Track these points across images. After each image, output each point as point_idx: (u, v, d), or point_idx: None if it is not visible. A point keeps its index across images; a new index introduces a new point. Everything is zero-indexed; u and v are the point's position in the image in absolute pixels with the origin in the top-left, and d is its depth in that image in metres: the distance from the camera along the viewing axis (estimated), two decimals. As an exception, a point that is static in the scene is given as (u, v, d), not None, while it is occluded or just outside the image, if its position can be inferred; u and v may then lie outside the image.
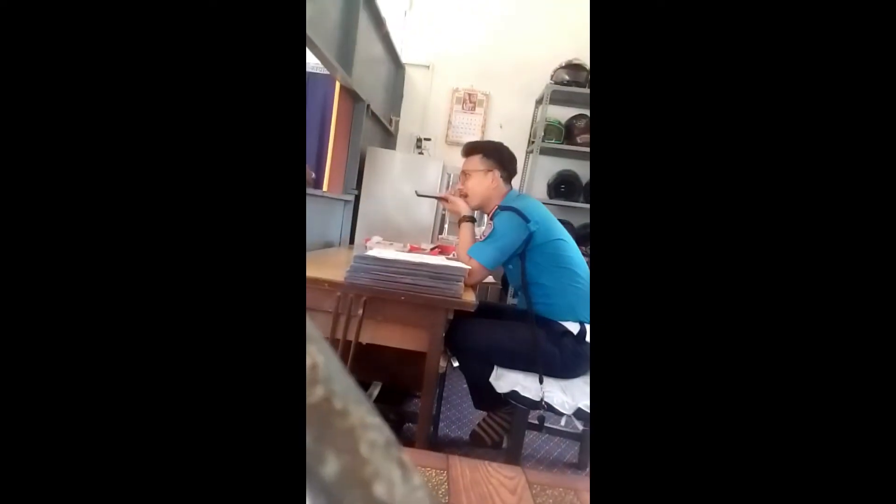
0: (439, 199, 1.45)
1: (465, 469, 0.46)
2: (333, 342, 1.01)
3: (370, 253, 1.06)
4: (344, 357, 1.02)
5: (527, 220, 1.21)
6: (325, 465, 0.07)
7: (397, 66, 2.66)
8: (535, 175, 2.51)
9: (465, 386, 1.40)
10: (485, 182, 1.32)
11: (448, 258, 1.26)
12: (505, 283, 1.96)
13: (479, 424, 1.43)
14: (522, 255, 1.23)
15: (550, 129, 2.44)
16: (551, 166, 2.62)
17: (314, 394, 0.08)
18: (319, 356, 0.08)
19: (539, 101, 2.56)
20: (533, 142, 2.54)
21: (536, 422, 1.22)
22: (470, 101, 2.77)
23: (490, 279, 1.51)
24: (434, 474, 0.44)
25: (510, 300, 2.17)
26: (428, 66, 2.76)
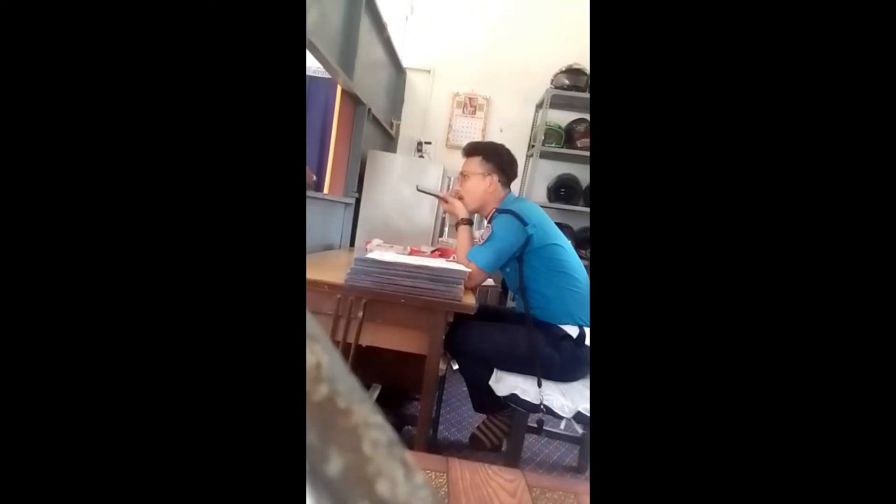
0: (438, 197, 1.44)
1: (465, 472, 0.46)
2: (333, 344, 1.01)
3: (370, 255, 1.06)
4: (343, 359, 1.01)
5: (525, 224, 1.21)
6: (328, 463, 0.07)
7: (398, 71, 2.67)
8: (535, 179, 2.52)
9: (465, 389, 1.40)
10: (482, 185, 1.31)
11: (448, 261, 1.26)
12: (505, 286, 1.96)
13: (478, 427, 1.43)
14: (520, 259, 1.23)
15: (550, 133, 2.44)
16: (551, 170, 2.63)
17: (318, 392, 0.08)
18: (324, 355, 0.08)
19: (539, 106, 2.57)
20: (533, 145, 2.55)
21: (535, 425, 1.22)
22: (470, 105, 2.78)
23: (490, 282, 1.51)
24: (433, 477, 0.44)
25: (510, 303, 2.17)
26: (429, 71, 2.77)
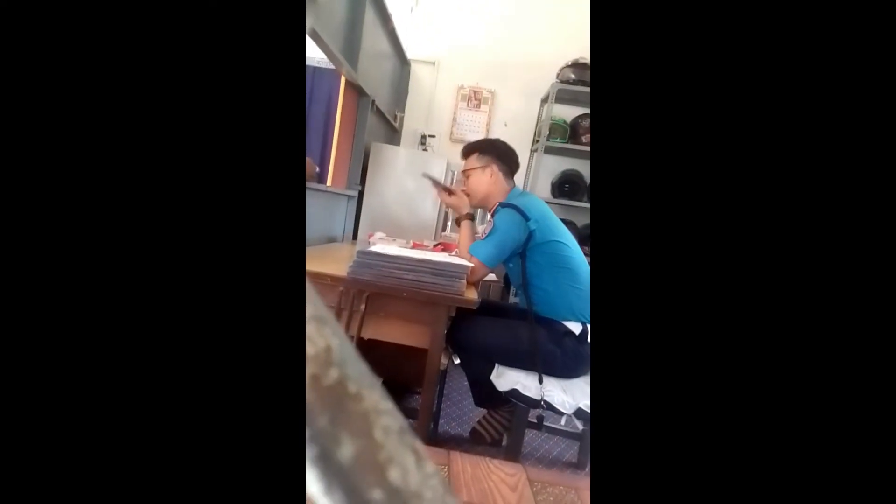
0: (443, 188, 1.42)
1: (467, 465, 0.46)
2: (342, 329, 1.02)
3: (373, 249, 1.06)
4: (345, 352, 1.02)
5: (527, 219, 1.20)
6: (340, 448, 0.07)
7: (403, 62, 2.66)
8: (539, 174, 2.50)
9: (466, 383, 1.40)
10: (483, 178, 1.32)
11: (450, 255, 1.26)
12: (507, 281, 1.96)
13: (479, 422, 1.43)
14: (523, 255, 1.23)
15: (555, 128, 2.43)
16: (555, 165, 2.62)
17: (329, 376, 0.07)
18: (334, 339, 0.08)
19: (544, 100, 2.56)
20: (538, 140, 2.54)
21: (536, 421, 1.22)
22: (475, 99, 2.77)
23: (492, 277, 1.51)
24: (435, 469, 0.44)
25: (512, 299, 2.17)
26: (433, 63, 2.75)
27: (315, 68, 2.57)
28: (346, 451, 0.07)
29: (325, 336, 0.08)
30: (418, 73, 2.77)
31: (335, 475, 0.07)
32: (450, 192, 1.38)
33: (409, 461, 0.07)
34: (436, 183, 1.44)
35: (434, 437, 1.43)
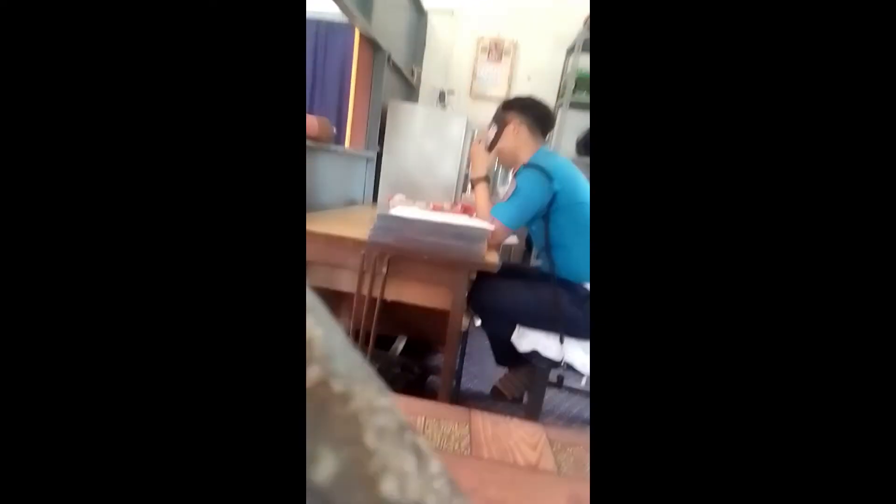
0: (496, 136, 1.34)
1: (487, 424, 0.47)
2: (360, 298, 1.04)
3: (393, 212, 1.05)
4: (370, 312, 1.05)
5: (550, 180, 1.16)
6: (318, 465, 0.06)
7: (419, 12, 2.51)
8: (564, 131, 2.39)
9: (488, 342, 1.43)
10: (509, 136, 1.28)
11: (471, 218, 1.24)
12: (529, 244, 1.94)
13: (500, 380, 1.47)
14: (546, 217, 1.20)
15: (582, 82, 2.28)
16: (581, 122, 2.48)
17: (308, 376, 0.06)
18: (317, 329, 0.07)
19: (570, 51, 2.38)
20: (563, 95, 2.40)
21: (555, 381, 1.24)
22: (496, 50, 2.61)
23: (513, 239, 1.49)
24: (456, 427, 0.45)
25: (533, 262, 2.15)
26: (451, 12, 2.59)
27: (329, 23, 2.47)
28: (325, 468, 0.06)
29: (306, 327, 0.07)
30: (435, 24, 2.62)
31: (309, 500, 0.06)
32: (492, 146, 1.33)
33: (408, 465, 0.06)
34: (494, 123, 1.33)
35: (456, 394, 1.48)
